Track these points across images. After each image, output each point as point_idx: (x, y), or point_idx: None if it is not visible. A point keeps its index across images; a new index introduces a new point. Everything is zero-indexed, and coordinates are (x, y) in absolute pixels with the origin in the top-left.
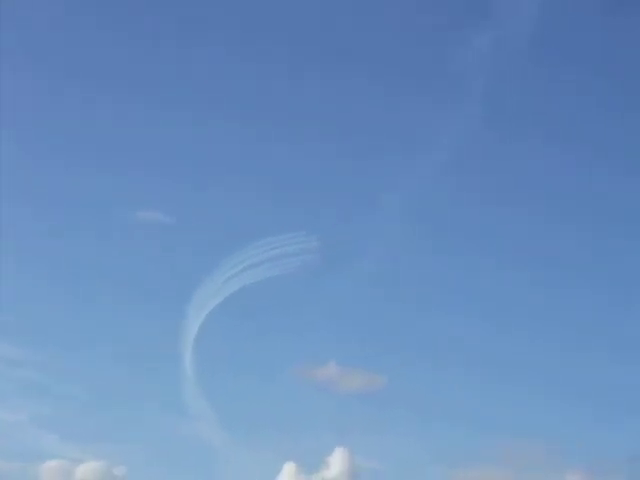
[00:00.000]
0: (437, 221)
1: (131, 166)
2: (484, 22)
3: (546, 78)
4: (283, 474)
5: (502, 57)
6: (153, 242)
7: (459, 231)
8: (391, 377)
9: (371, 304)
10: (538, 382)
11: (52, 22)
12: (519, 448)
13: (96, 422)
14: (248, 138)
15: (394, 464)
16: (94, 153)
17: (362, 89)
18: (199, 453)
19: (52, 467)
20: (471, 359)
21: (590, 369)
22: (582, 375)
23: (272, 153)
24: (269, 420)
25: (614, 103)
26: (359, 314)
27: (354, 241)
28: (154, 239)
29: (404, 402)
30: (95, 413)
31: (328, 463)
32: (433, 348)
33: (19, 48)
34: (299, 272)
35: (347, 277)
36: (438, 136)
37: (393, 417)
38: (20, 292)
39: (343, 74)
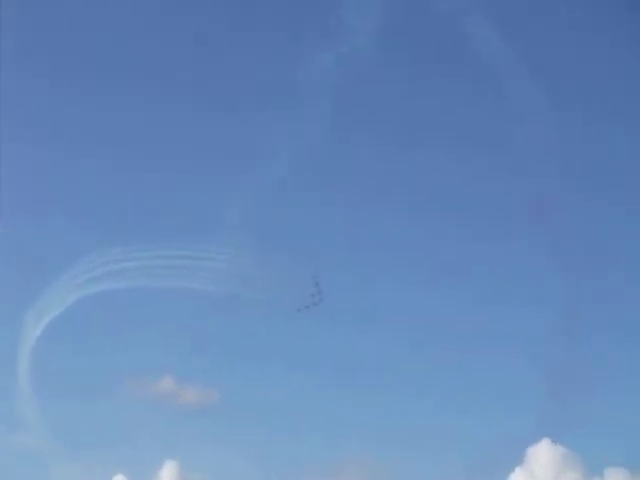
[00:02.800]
0: (274, 235)
1: None
2: (327, 39)
3: (390, 90)
4: None
5: (345, 72)
6: None
7: (298, 243)
8: (225, 392)
9: (207, 319)
10: (377, 395)
11: None
12: (350, 463)
13: None
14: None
15: (223, 477)
16: None
17: (199, 108)
18: (28, 464)
19: None
20: (305, 372)
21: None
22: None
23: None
24: (101, 433)
25: (463, 105)
26: (196, 329)
27: (190, 260)
28: None
29: (236, 416)
30: None
31: (158, 476)
32: (268, 363)
33: None
34: (137, 286)
35: (183, 292)
36: (280, 151)
37: (225, 431)
38: None
39: (178, 97)
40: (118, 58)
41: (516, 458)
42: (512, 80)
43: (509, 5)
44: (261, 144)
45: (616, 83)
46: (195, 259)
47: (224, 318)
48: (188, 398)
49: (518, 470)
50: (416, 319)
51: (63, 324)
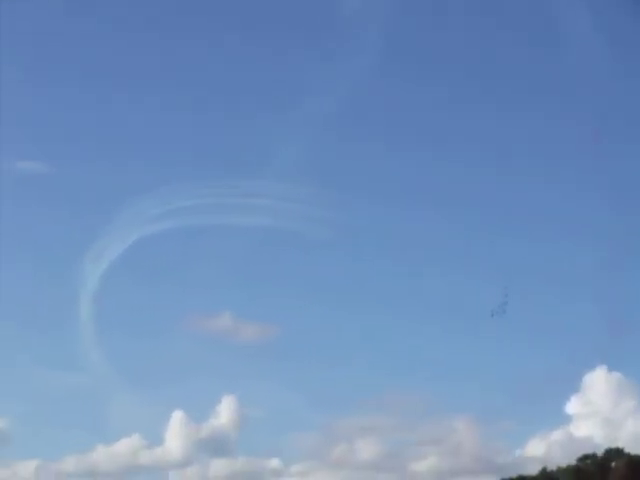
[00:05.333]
0: (334, 176)
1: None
2: None
3: (444, 21)
4: (172, 422)
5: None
6: (33, 193)
7: (348, 182)
8: (286, 328)
9: (265, 255)
10: (434, 332)
11: None
12: (405, 398)
13: None
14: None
15: (280, 412)
16: None
17: (247, 47)
18: (91, 404)
19: None
20: (364, 309)
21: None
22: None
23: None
24: (160, 370)
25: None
26: (256, 266)
27: (247, 197)
28: (36, 190)
29: (296, 352)
30: None
31: (216, 412)
32: (329, 300)
33: None
34: (196, 224)
35: (240, 230)
36: (327, 89)
37: (283, 366)
38: None
39: (224, 35)
40: None
41: (572, 386)
42: None
43: None
44: (309, 81)
45: None
46: (252, 196)
47: (284, 255)
48: (247, 335)
49: (574, 398)
50: (477, 259)
51: (123, 264)
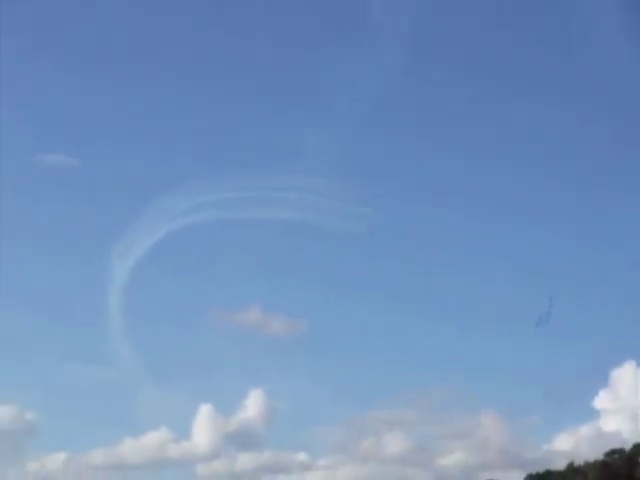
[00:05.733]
0: (362, 172)
1: (30, 109)
2: None
3: (474, 20)
4: (200, 415)
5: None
6: (60, 186)
7: (376, 177)
8: (312, 321)
9: (293, 249)
10: (454, 325)
11: None
12: (431, 392)
13: (4, 368)
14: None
15: (307, 406)
16: None
17: (279, 46)
18: (119, 397)
19: None
20: (390, 300)
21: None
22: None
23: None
24: (189, 363)
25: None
26: (285, 260)
27: (276, 191)
28: (60, 183)
29: (324, 346)
30: (3, 360)
31: (244, 405)
32: (359, 295)
33: None
34: (224, 219)
35: (269, 224)
36: (357, 88)
37: (311, 361)
38: None
39: (256, 33)
40: None
41: (600, 381)
42: None
43: None
44: (340, 79)
45: None
46: (281, 190)
47: (312, 249)
48: (275, 328)
49: (602, 393)
50: (510, 259)
51: (151, 258)
